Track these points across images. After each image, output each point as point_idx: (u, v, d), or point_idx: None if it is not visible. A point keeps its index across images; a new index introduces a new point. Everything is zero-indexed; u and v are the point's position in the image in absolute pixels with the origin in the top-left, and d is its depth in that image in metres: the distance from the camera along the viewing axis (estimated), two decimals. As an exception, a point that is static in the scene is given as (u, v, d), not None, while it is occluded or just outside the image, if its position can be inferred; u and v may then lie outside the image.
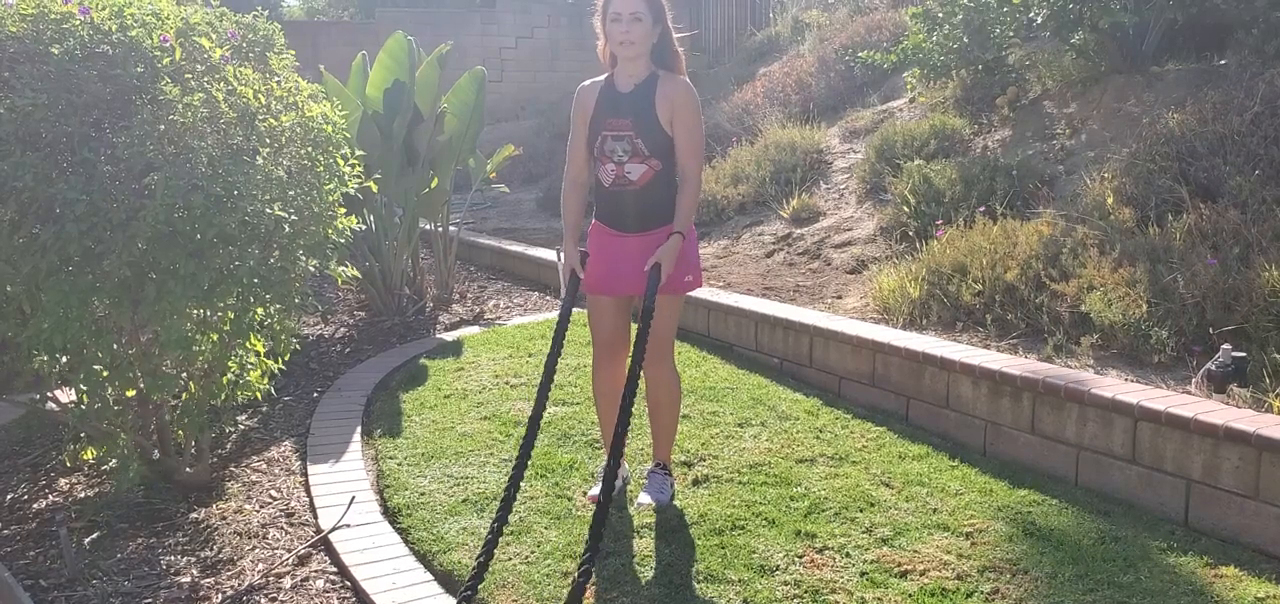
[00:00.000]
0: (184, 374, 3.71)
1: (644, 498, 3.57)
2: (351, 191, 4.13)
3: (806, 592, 3.00)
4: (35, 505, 3.83)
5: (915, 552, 3.22)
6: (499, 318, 6.68)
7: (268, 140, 3.69)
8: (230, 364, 3.77)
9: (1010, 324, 4.67)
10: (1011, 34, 7.20)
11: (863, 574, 3.09)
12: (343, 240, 3.99)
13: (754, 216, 7.52)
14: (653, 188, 3.40)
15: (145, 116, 3.31)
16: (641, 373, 3.61)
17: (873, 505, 3.55)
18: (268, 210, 3.46)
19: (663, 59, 3.41)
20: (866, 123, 8.15)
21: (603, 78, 3.49)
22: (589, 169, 3.51)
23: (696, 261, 3.50)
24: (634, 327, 3.50)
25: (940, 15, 7.39)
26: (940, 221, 5.74)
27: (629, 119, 3.36)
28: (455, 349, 5.81)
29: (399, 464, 4.04)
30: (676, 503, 3.60)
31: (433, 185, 6.77)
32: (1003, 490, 3.68)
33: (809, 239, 6.76)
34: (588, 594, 3.04)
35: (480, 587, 3.08)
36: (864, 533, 3.35)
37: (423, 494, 3.74)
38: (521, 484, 3.78)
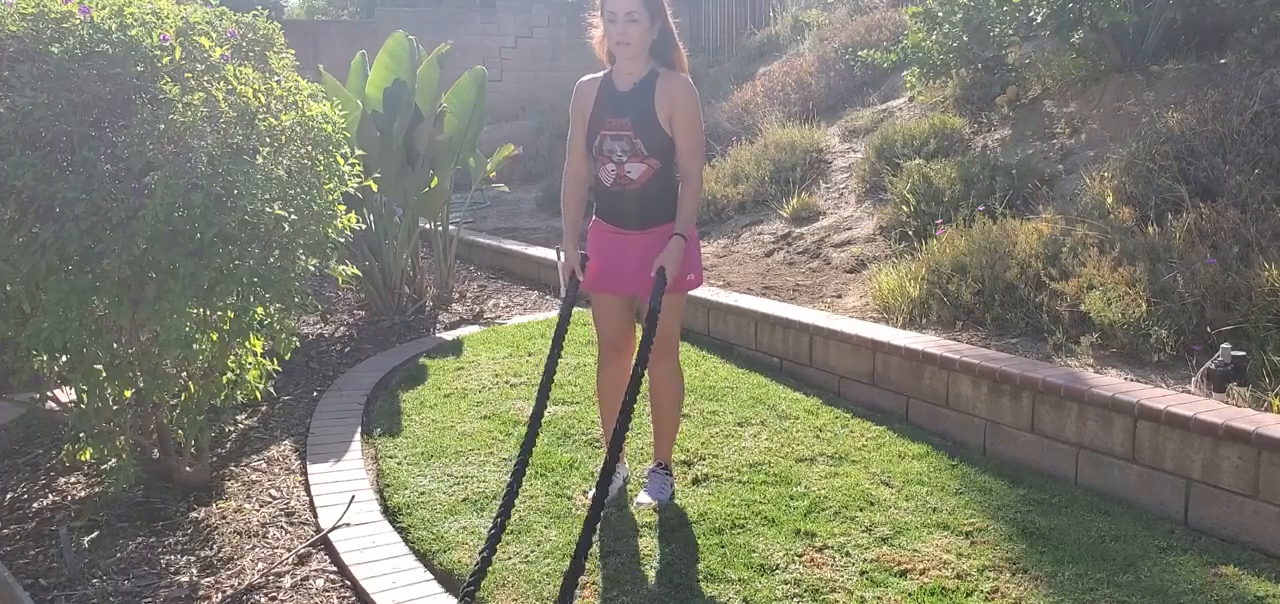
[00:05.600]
0: (183, 374, 3.70)
1: (644, 497, 3.57)
2: (351, 191, 4.13)
3: (806, 591, 3.00)
4: (35, 505, 3.83)
5: (915, 551, 3.22)
6: (499, 317, 6.68)
7: (268, 139, 3.68)
8: (230, 364, 3.77)
9: (1010, 323, 4.67)
10: (1011, 33, 7.20)
11: (862, 573, 3.09)
12: (343, 239, 3.99)
13: (754, 216, 7.52)
14: (653, 186, 3.39)
15: (145, 116, 3.31)
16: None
17: (872, 505, 3.55)
18: (268, 209, 3.46)
19: (663, 56, 3.38)
20: (866, 122, 8.15)
21: (602, 74, 3.48)
22: (589, 166, 3.50)
23: (698, 260, 3.50)
24: (638, 326, 3.50)
25: (940, 14, 7.38)
26: (940, 221, 5.74)
27: (628, 118, 3.34)
28: (455, 348, 5.81)
29: (399, 463, 4.04)
30: (676, 502, 3.60)
31: (432, 185, 6.77)
32: (1002, 489, 3.68)
33: (809, 238, 6.76)
34: (588, 593, 3.04)
35: (479, 586, 3.09)
36: (864, 532, 3.35)
37: (422, 493, 3.74)
38: (521, 483, 3.80)
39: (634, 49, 3.32)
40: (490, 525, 3.13)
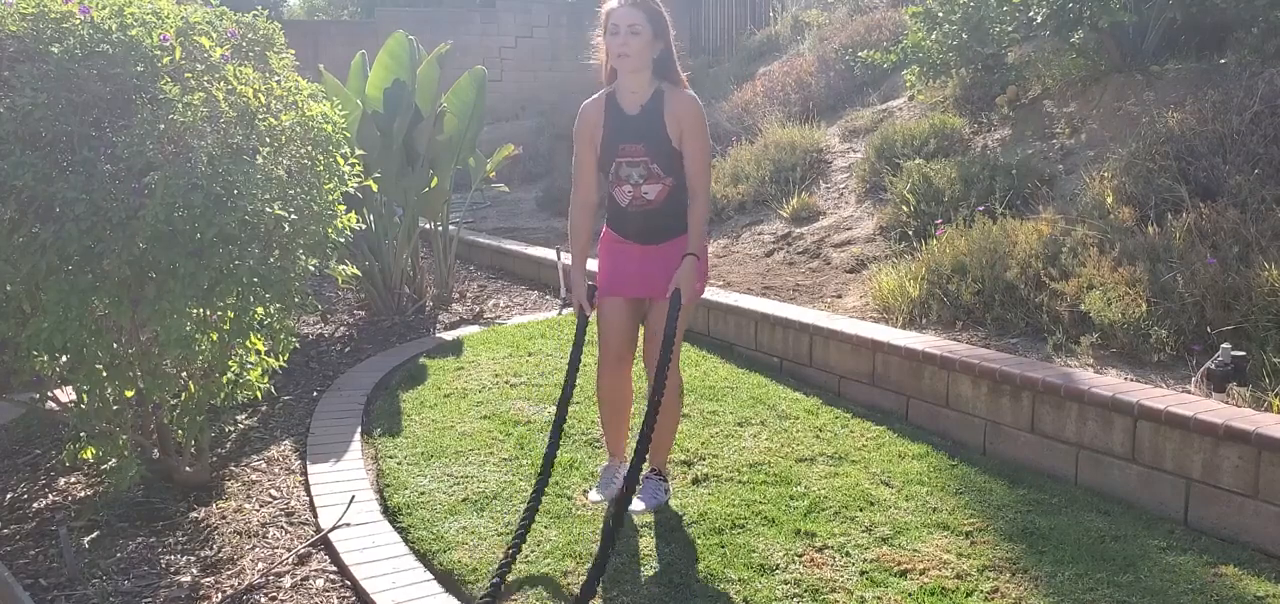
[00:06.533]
0: (184, 374, 3.70)
1: (637, 504, 3.54)
2: (351, 191, 4.13)
3: (806, 591, 3.00)
4: (35, 505, 3.83)
5: (915, 551, 3.22)
6: (498, 317, 6.68)
7: (268, 139, 3.69)
8: (230, 363, 3.77)
9: (1010, 323, 4.67)
10: (1011, 32, 7.20)
11: (862, 573, 3.09)
12: (343, 239, 3.99)
13: (754, 216, 7.52)
14: (670, 202, 3.39)
15: (145, 116, 3.31)
16: (640, 373, 3.62)
17: (872, 504, 3.55)
18: (268, 209, 3.46)
19: (665, 73, 3.36)
20: (866, 122, 8.15)
21: (603, 95, 3.42)
22: (598, 189, 3.49)
23: (705, 268, 3.49)
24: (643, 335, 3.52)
25: (940, 14, 7.38)
26: (940, 221, 5.74)
27: (641, 144, 3.32)
28: (455, 348, 5.81)
29: (399, 463, 4.04)
30: (677, 502, 3.60)
31: (432, 184, 6.77)
32: (1002, 490, 3.68)
33: (809, 238, 6.76)
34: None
35: (478, 584, 3.09)
36: (864, 532, 3.35)
37: (422, 493, 3.74)
38: (521, 484, 3.80)
39: (633, 62, 3.28)
40: (505, 548, 3.16)
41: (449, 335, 6.19)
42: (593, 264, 3.59)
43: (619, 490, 3.62)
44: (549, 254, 7.44)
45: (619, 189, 3.41)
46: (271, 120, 3.72)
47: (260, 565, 3.32)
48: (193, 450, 3.90)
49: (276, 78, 3.89)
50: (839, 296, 5.66)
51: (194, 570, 3.29)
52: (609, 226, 3.55)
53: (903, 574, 3.08)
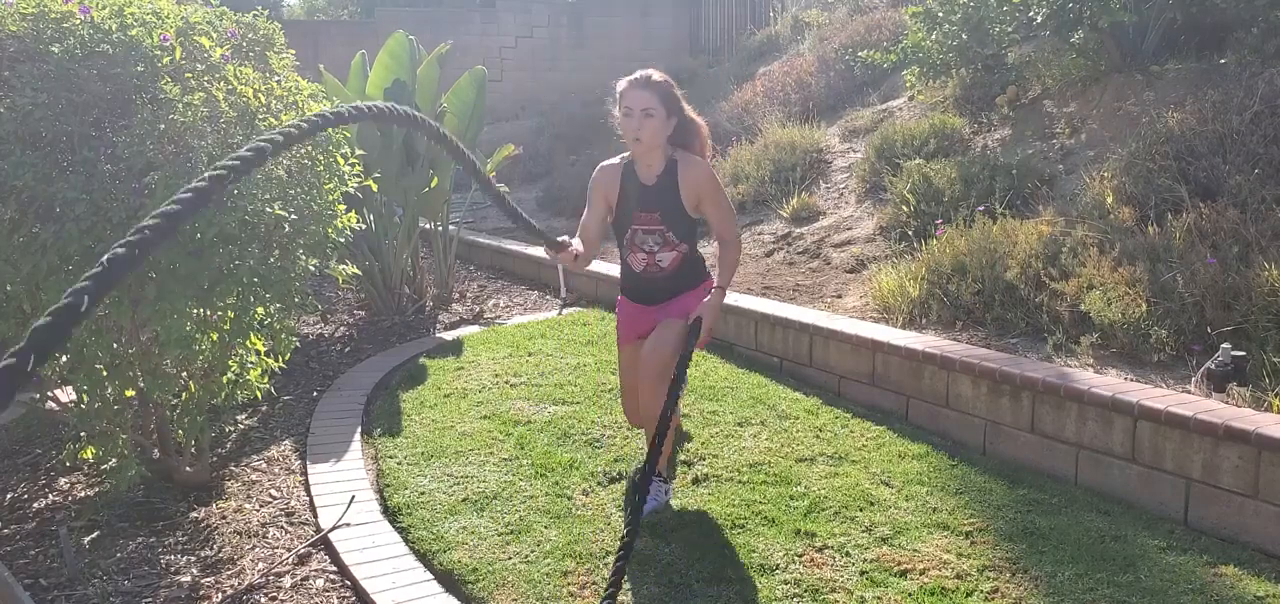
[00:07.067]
0: (184, 373, 3.70)
1: None
2: (351, 191, 4.13)
3: (806, 591, 3.00)
4: (35, 505, 3.83)
5: (915, 551, 3.22)
6: (498, 317, 6.68)
7: (268, 139, 3.68)
8: (230, 363, 3.78)
9: (1010, 323, 4.67)
10: (1011, 32, 7.20)
11: (862, 573, 3.09)
12: (343, 239, 3.99)
13: (754, 216, 7.52)
14: (680, 269, 3.53)
15: (145, 116, 3.31)
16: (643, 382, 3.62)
17: (872, 504, 3.55)
18: (268, 209, 3.46)
19: (679, 142, 3.45)
20: (866, 122, 8.15)
21: (622, 161, 3.54)
22: (597, 247, 3.54)
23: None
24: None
25: (940, 14, 7.38)
26: (940, 221, 5.74)
27: (658, 213, 3.45)
28: (455, 348, 5.81)
29: (399, 463, 4.04)
30: (677, 502, 3.60)
31: (432, 184, 6.78)
32: (1002, 490, 3.68)
33: (809, 238, 6.76)
34: (588, 593, 3.04)
35: (478, 584, 3.09)
36: (864, 532, 3.35)
37: (422, 493, 3.74)
38: (521, 484, 3.80)
39: (646, 145, 3.39)
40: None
41: (449, 335, 6.19)
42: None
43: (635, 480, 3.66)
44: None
45: (634, 255, 3.53)
46: (272, 120, 3.72)
47: (260, 565, 3.32)
48: (193, 450, 3.90)
49: (276, 78, 3.89)
50: (839, 296, 5.65)
51: (194, 570, 3.29)
52: (623, 294, 3.69)
53: (903, 574, 3.08)
